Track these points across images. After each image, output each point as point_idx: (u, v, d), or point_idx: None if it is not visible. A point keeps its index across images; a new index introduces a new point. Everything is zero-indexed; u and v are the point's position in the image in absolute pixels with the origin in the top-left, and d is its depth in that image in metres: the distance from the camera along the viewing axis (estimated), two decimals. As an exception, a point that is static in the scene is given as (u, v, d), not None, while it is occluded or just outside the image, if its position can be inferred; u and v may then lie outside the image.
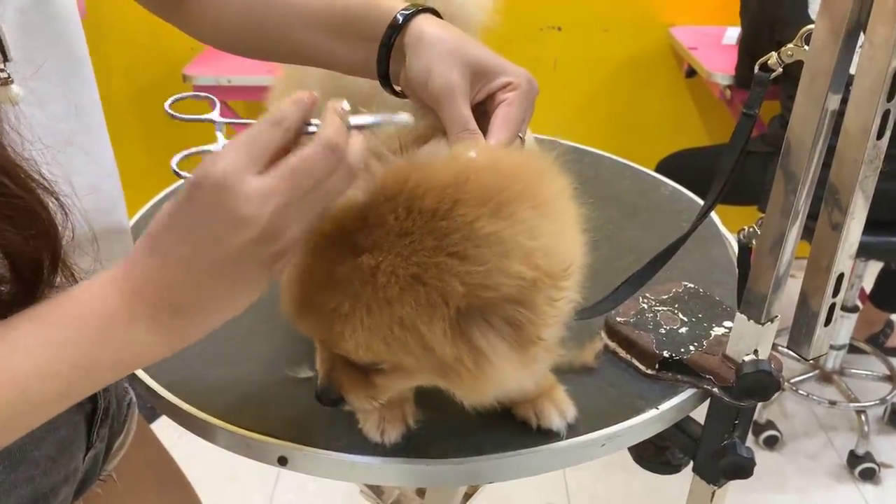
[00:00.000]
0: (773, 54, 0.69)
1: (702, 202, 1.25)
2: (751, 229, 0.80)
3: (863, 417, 2.12)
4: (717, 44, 2.46)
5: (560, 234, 0.63)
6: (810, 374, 2.29)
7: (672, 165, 2.17)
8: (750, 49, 2.08)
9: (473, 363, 0.61)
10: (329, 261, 0.60)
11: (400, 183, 0.59)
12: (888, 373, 2.30)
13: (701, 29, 2.60)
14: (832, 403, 2.21)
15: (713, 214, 1.19)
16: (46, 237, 0.51)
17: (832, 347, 2.23)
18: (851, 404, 2.20)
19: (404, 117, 0.63)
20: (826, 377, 2.28)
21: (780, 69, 0.70)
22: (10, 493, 0.65)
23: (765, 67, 0.71)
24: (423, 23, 0.68)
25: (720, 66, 2.25)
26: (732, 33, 2.46)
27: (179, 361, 0.89)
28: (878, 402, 2.19)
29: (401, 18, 0.68)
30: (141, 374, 0.86)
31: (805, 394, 2.22)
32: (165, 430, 1.00)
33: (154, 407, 0.85)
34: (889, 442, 2.19)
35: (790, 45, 0.67)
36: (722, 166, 0.85)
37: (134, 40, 2.56)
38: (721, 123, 2.72)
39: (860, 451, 2.08)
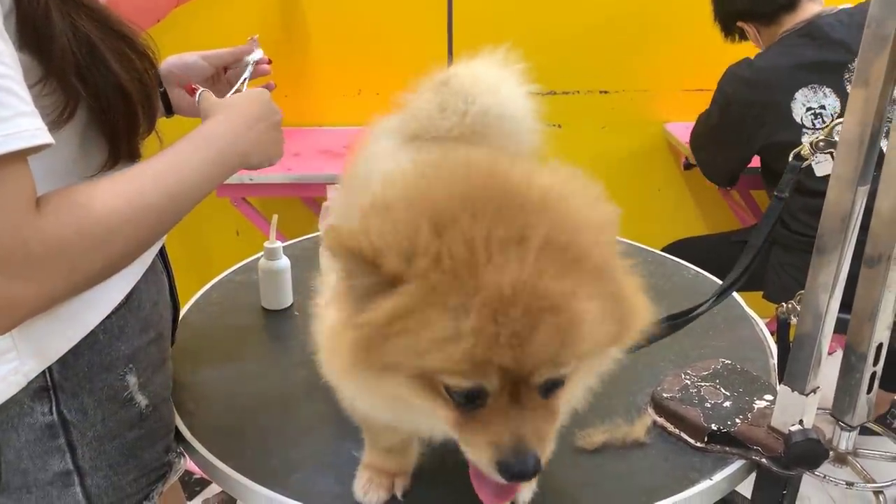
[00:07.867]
0: (806, 144, 0.76)
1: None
2: (789, 306, 0.85)
3: (880, 498, 2.11)
4: (711, 138, 2.58)
5: None
6: (824, 457, 2.28)
7: (674, 254, 2.23)
8: (720, 140, 2.11)
9: None
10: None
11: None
12: (901, 453, 2.31)
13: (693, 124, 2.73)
14: (849, 485, 2.20)
15: (738, 297, 1.25)
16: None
17: (844, 428, 2.25)
18: (869, 485, 2.20)
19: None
20: (840, 459, 2.28)
21: (813, 159, 0.77)
22: None
23: (797, 156, 0.78)
24: None
25: (717, 159, 2.35)
26: (724, 128, 2.58)
27: (248, 444, 0.93)
28: (894, 482, 2.19)
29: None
30: (212, 458, 0.89)
31: (821, 475, 2.22)
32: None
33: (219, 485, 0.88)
34: (908, 523, 2.19)
35: (821, 136, 0.74)
36: (751, 242, 0.92)
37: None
38: (719, 212, 2.81)
39: (880, 533, 2.07)
